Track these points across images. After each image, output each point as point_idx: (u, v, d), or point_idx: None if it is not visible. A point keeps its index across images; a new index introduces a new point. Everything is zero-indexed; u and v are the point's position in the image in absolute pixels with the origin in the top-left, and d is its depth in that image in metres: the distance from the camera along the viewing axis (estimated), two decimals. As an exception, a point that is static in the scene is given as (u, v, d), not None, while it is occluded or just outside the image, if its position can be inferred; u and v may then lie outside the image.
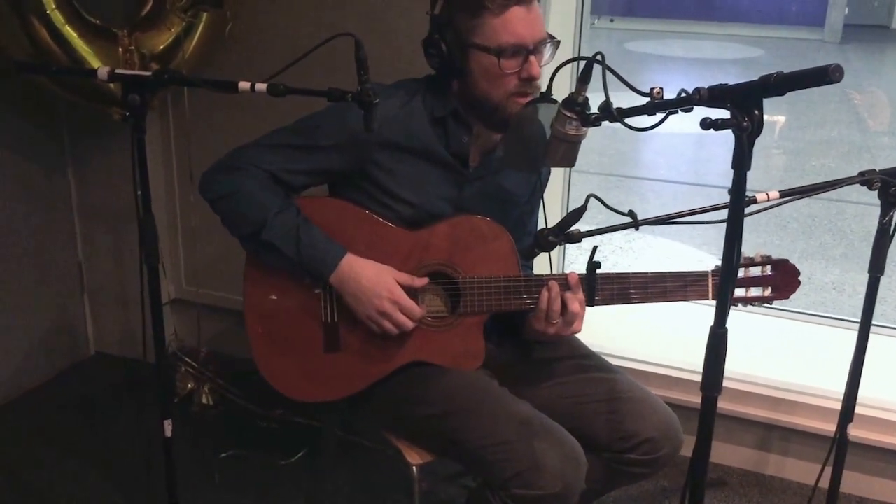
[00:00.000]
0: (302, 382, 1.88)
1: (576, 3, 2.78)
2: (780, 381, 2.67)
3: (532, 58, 1.74)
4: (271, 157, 1.81)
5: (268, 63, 2.79)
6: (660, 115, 1.40)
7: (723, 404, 2.62)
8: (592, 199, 1.61)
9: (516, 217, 2.03)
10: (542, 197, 2.09)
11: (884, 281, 1.78)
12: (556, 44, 1.78)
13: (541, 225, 2.14)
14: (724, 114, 1.19)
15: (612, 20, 13.18)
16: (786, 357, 2.82)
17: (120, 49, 2.59)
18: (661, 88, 1.39)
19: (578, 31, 2.83)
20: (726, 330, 1.28)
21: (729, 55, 11.79)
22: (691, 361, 2.70)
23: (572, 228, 1.64)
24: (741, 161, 1.16)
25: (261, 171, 1.80)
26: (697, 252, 4.89)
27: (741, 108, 1.17)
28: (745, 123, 1.12)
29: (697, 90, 1.24)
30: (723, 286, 1.25)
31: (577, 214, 1.59)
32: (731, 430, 2.71)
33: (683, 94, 1.32)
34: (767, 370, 2.69)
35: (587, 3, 2.87)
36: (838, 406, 2.50)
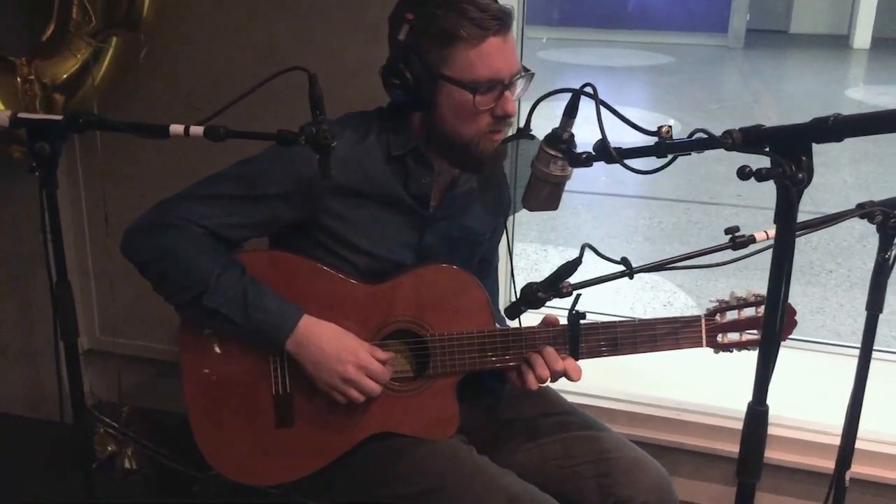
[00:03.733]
0: (252, 464, 1.65)
1: (517, 16, 2.62)
2: (731, 408, 2.54)
3: (507, 93, 1.55)
4: (208, 210, 1.58)
5: (193, 90, 2.57)
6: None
7: (692, 440, 2.49)
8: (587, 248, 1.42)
9: (479, 257, 1.84)
10: (504, 229, 1.91)
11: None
12: (531, 76, 1.60)
13: (502, 259, 1.97)
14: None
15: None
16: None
17: (18, 79, 2.33)
18: (670, 126, 1.22)
19: (520, 44, 2.67)
20: (767, 407, 1.11)
21: (640, 62, 11.84)
22: (678, 399, 2.54)
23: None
24: (788, 218, 0.99)
25: (197, 227, 1.56)
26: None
27: (785, 154, 1.00)
28: (799, 175, 0.95)
29: (729, 133, 1.07)
30: (764, 356, 1.08)
31: (570, 268, 1.40)
32: (700, 467, 2.57)
33: (702, 135, 1.14)
34: (737, 401, 2.56)
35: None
36: (818, 438, 2.42)
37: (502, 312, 1.62)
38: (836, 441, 1.79)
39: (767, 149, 1.02)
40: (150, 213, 1.60)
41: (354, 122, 1.65)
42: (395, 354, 1.67)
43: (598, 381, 2.63)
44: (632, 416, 2.56)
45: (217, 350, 1.61)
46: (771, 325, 1.05)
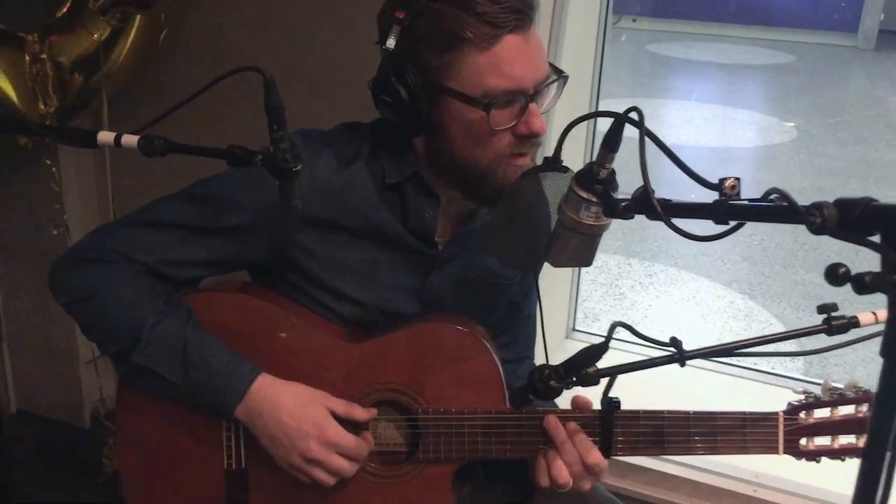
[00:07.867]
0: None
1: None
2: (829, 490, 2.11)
3: (532, 105, 1.19)
4: (150, 241, 1.28)
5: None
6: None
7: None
8: (619, 327, 1.06)
9: (506, 301, 1.49)
10: (538, 274, 1.54)
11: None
12: (564, 80, 1.24)
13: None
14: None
15: (634, 20, 12.56)
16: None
17: (27, 57, 2.11)
18: (737, 180, 0.85)
19: (602, 34, 2.29)
20: None
21: (758, 60, 11.09)
22: (756, 471, 2.12)
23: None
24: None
25: (133, 262, 1.26)
26: (727, 291, 4.33)
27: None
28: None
29: (818, 207, 0.69)
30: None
31: (593, 355, 1.04)
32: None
33: (778, 200, 0.77)
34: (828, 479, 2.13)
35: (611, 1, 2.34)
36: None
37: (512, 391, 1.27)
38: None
39: (877, 239, 0.64)
40: (80, 244, 1.31)
41: (343, 137, 1.32)
42: (387, 426, 1.34)
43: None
44: (696, 486, 2.16)
45: (162, 412, 1.31)
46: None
